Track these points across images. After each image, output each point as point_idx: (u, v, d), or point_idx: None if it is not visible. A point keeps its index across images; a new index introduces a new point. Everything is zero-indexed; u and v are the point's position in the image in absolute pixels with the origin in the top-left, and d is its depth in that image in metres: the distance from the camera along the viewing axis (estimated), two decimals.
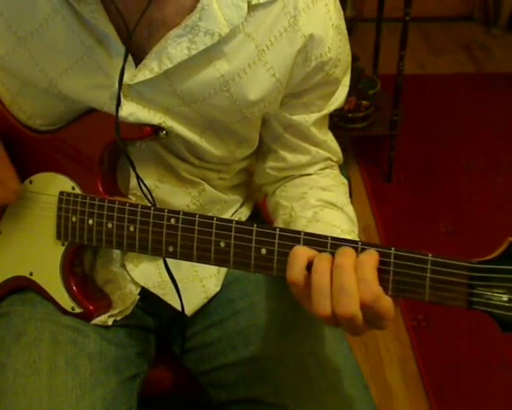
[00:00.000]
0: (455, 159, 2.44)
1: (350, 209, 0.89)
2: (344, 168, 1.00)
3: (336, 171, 0.96)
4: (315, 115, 0.87)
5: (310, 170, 0.92)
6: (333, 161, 0.95)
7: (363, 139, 2.44)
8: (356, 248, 0.65)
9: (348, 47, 0.85)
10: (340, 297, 0.62)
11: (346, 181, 0.96)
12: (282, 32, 0.77)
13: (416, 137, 2.53)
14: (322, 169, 0.93)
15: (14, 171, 0.84)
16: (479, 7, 3.35)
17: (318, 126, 0.89)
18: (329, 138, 0.93)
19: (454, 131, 2.57)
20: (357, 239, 0.80)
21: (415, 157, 2.45)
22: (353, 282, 0.62)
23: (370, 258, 0.64)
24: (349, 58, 0.86)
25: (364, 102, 2.25)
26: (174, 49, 0.74)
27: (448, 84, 2.88)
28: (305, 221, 0.84)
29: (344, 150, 0.99)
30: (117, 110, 0.76)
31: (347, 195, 0.93)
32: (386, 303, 0.64)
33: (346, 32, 0.84)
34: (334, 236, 0.77)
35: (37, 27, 0.76)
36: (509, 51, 3.12)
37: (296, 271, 0.65)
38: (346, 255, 0.64)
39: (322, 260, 0.64)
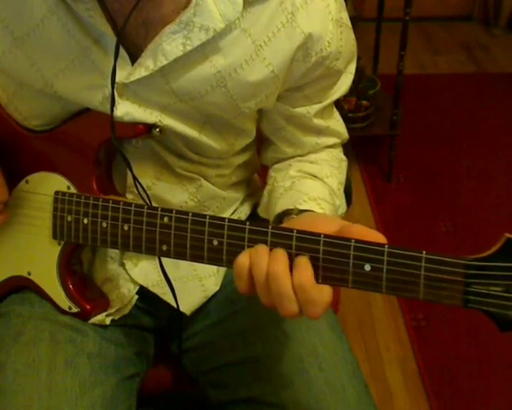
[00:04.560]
0: (455, 159, 2.44)
1: (333, 181, 0.89)
2: None
3: (336, 150, 0.96)
4: (317, 106, 0.87)
5: (310, 156, 0.93)
6: (336, 143, 0.95)
7: (363, 139, 2.44)
8: (349, 247, 0.64)
9: (352, 37, 0.84)
10: (281, 302, 0.65)
11: (344, 158, 0.96)
12: (279, 28, 0.77)
13: (415, 137, 2.53)
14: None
15: (3, 181, 0.84)
16: (479, 7, 3.35)
17: (321, 115, 0.89)
18: (333, 122, 0.93)
19: (454, 131, 2.57)
20: (332, 207, 0.85)
21: (415, 157, 2.44)
22: (289, 286, 0.64)
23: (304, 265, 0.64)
24: (353, 48, 0.86)
25: (364, 102, 2.25)
26: (169, 45, 0.74)
27: (448, 84, 2.88)
28: (282, 190, 0.88)
29: (344, 150, 0.99)
30: (112, 109, 0.76)
31: (340, 170, 0.94)
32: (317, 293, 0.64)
33: (348, 22, 0.83)
34: (300, 202, 0.82)
35: (34, 28, 0.76)
36: (509, 51, 3.12)
37: (243, 282, 0.67)
38: (277, 262, 0.65)
39: (258, 266, 0.66)
